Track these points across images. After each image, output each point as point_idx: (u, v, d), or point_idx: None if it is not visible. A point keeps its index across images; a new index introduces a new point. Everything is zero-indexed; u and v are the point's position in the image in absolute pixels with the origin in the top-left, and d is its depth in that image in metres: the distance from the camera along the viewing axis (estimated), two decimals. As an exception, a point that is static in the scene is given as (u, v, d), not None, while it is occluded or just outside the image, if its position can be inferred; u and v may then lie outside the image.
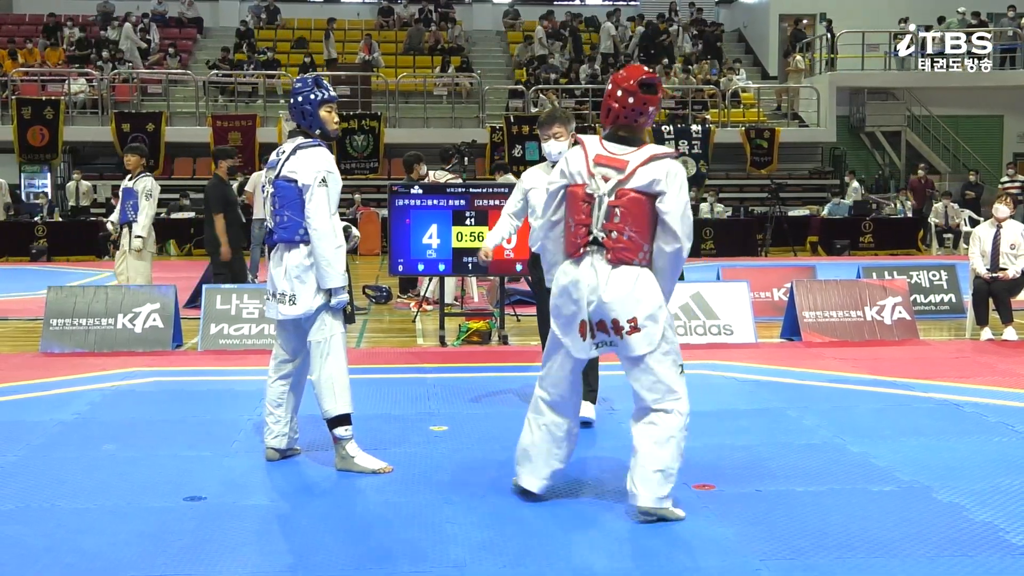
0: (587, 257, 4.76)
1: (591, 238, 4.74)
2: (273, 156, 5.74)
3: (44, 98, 23.76)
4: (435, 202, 9.78)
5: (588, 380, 6.62)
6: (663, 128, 23.56)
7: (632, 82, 4.75)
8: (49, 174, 25.28)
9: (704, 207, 22.76)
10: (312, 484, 5.42)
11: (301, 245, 5.53)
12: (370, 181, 24.51)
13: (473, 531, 4.65)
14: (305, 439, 6.05)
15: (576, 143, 4.97)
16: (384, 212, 20.84)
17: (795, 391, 7.87)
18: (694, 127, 23.87)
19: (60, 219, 22.00)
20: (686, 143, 23.27)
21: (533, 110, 25.10)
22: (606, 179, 4.72)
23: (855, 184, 24.67)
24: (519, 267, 9.54)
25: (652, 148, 4.78)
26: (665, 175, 4.68)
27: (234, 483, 5.41)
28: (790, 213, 23.04)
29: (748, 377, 8.35)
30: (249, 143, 22.76)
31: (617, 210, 4.68)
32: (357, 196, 23.79)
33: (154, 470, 5.64)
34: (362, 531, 4.69)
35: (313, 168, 5.48)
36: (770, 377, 8.35)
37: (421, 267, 9.98)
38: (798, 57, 28.31)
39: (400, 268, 10.02)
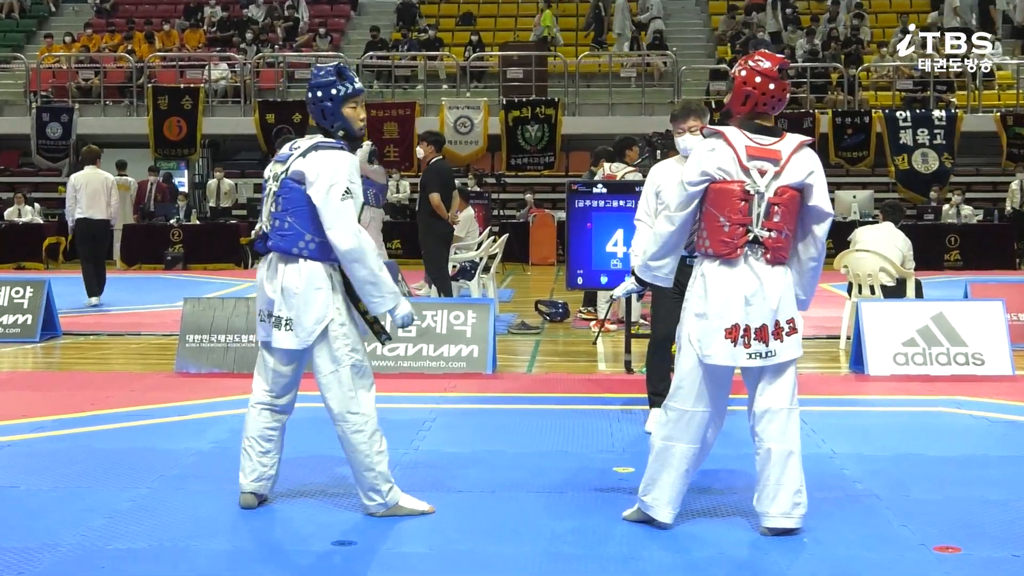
0: (743, 258, 5.18)
1: (751, 237, 5.15)
2: (285, 149, 5.63)
3: (182, 86, 24.87)
4: (621, 203, 9.78)
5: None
6: (897, 114, 22.93)
7: (772, 67, 5.23)
8: (186, 171, 26.44)
9: (948, 209, 22.06)
10: (472, 528, 5.49)
11: (300, 260, 5.47)
12: (545, 178, 24.71)
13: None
14: (434, 473, 6.10)
15: (709, 135, 5.34)
16: (561, 215, 20.97)
17: (1063, 435, 7.62)
18: (936, 113, 23.18)
19: (198, 221, 22.88)
20: (926, 132, 22.62)
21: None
22: (762, 172, 5.17)
23: None
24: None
25: (794, 136, 5.31)
26: (816, 166, 5.25)
27: (389, 526, 5.53)
28: (1057, 217, 22.19)
29: (1003, 417, 8.09)
30: (407, 135, 23.20)
31: (777, 208, 5.17)
32: (529, 196, 24.03)
33: (298, 509, 5.81)
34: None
35: (330, 176, 5.37)
36: (1030, 418, 8.09)
37: (604, 279, 9.99)
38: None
39: (579, 281, 10.07)
